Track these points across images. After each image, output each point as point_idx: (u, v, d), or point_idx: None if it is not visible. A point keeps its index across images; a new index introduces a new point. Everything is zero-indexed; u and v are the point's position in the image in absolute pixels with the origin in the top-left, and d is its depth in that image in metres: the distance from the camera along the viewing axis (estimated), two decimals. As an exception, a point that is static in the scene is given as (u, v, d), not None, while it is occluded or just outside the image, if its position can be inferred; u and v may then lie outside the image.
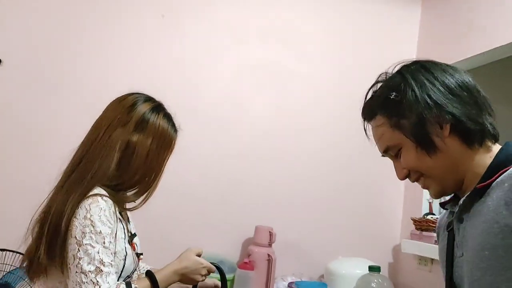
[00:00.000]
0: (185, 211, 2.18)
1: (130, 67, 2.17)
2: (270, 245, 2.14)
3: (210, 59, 2.29)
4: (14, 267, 1.78)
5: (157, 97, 2.09)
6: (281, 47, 2.39)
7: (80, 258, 1.07)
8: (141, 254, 1.37)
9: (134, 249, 1.28)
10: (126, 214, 1.34)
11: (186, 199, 2.18)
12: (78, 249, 1.08)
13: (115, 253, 1.15)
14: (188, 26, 2.27)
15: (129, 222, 1.35)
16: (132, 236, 1.31)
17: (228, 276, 2.01)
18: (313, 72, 2.42)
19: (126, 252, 1.20)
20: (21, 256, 1.78)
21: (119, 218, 1.20)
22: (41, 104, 2.07)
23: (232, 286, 2.02)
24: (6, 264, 1.78)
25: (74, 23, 2.14)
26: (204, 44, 2.28)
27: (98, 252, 1.08)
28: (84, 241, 1.08)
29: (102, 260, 1.08)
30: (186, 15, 2.28)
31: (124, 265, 1.18)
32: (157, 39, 2.23)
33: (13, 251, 1.79)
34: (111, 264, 1.10)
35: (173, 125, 1.34)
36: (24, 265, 1.17)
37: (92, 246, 1.08)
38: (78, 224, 1.09)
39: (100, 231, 1.09)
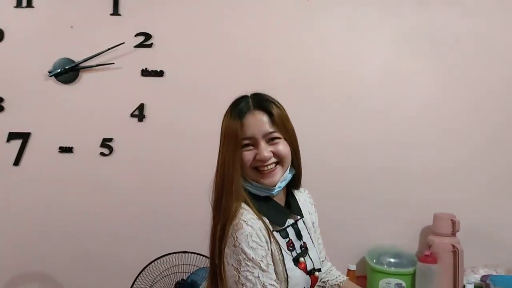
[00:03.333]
0: (356, 199, 2.09)
1: (278, 55, 2.11)
2: (453, 234, 1.89)
3: (361, 36, 2.10)
4: (197, 267, 1.90)
5: (309, 85, 2.06)
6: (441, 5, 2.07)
7: (242, 284, 1.08)
8: (318, 270, 1.27)
9: (303, 268, 1.21)
10: (296, 228, 1.26)
11: (355, 188, 2.09)
12: (238, 276, 1.08)
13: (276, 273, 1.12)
14: (333, 5, 2.11)
15: (299, 238, 1.25)
16: (300, 253, 1.22)
17: (408, 270, 1.86)
18: (483, 32, 2.05)
19: (287, 274, 1.15)
20: (202, 257, 1.90)
21: (275, 239, 1.15)
22: (199, 113, 2.13)
23: (413, 281, 1.85)
24: (190, 265, 1.91)
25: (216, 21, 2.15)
26: (351, 20, 2.10)
27: (258, 277, 1.08)
28: (241, 268, 1.08)
29: (263, 284, 1.08)
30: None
31: (287, 287, 1.15)
32: (304, 23, 2.11)
33: (195, 253, 1.92)
34: (274, 286, 1.09)
35: (234, 109, 1.17)
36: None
37: (250, 271, 1.08)
38: (230, 252, 1.09)
39: (252, 257, 1.07)
